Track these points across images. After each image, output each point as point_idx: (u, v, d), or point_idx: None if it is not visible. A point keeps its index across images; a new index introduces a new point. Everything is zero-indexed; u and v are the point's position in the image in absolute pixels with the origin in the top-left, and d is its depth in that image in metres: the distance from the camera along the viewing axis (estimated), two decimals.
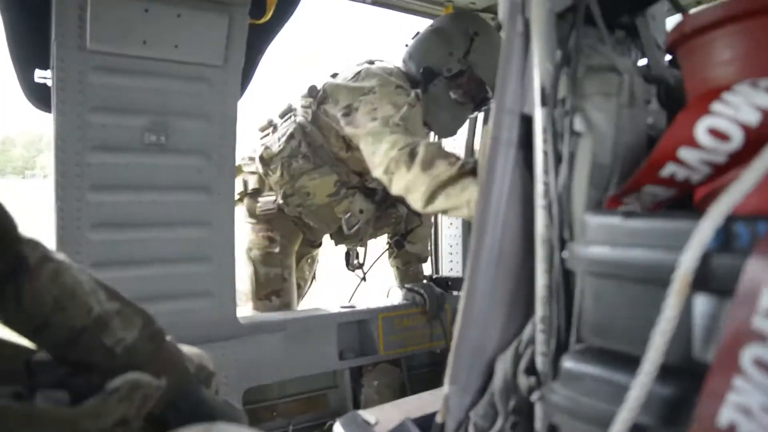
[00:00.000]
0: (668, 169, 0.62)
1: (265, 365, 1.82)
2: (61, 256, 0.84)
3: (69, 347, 0.82)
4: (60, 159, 1.53)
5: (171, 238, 1.67)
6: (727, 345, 0.47)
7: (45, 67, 1.63)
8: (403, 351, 2.13)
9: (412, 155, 1.67)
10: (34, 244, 0.80)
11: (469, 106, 2.14)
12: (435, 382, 2.15)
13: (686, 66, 0.77)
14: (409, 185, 1.64)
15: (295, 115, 2.14)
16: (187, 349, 1.00)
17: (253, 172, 2.17)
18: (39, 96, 1.65)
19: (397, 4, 2.19)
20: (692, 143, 0.59)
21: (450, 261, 2.57)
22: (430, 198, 1.59)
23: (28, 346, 0.92)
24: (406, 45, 2.16)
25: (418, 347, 2.17)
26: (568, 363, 0.69)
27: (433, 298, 2.17)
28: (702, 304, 0.53)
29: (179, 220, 1.69)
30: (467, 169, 1.56)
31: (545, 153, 0.86)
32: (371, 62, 2.15)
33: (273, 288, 2.10)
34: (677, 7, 0.89)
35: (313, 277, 2.47)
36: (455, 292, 2.32)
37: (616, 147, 0.80)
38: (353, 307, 2.11)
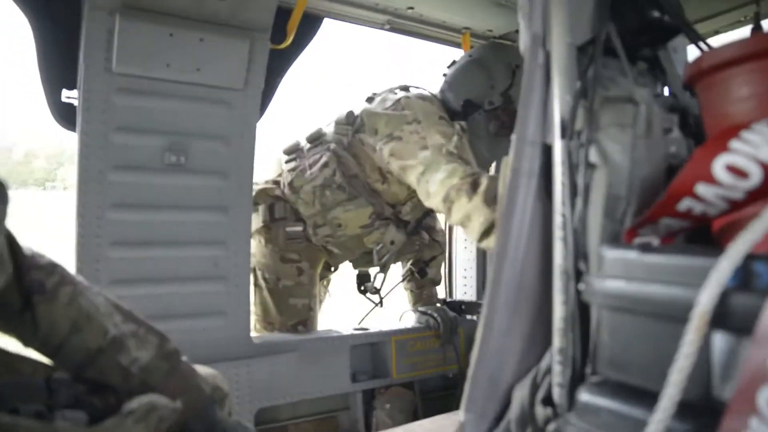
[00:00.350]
0: (685, 204, 0.63)
1: (277, 385, 1.81)
2: (77, 279, 0.86)
3: (86, 368, 0.84)
4: (82, 177, 1.57)
5: (188, 257, 1.69)
6: (744, 385, 0.47)
7: (72, 87, 1.68)
8: (416, 374, 2.12)
9: (474, 185, 1.68)
10: (51, 268, 0.82)
11: (506, 137, 2.12)
12: (448, 406, 2.14)
13: (704, 101, 0.78)
14: (470, 215, 1.66)
15: (326, 142, 2.07)
16: (201, 369, 1.01)
17: (278, 197, 2.11)
18: (65, 115, 1.70)
19: (414, 30, 2.22)
20: (710, 180, 0.59)
21: (464, 285, 2.56)
22: (487, 232, 1.62)
23: (48, 362, 0.94)
24: (444, 75, 2.13)
25: (431, 371, 2.15)
26: (584, 396, 0.69)
27: (446, 322, 2.15)
28: (720, 341, 0.53)
29: (196, 239, 1.71)
30: None
31: (563, 184, 0.87)
32: (406, 88, 2.12)
33: (300, 318, 2.08)
34: (694, 37, 0.89)
35: (328, 296, 2.47)
36: (469, 316, 2.31)
37: (631, 178, 0.80)
38: (366, 329, 2.10)
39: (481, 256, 2.54)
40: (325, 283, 2.39)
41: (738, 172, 0.58)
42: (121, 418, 0.76)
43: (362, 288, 2.32)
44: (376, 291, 2.31)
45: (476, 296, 2.49)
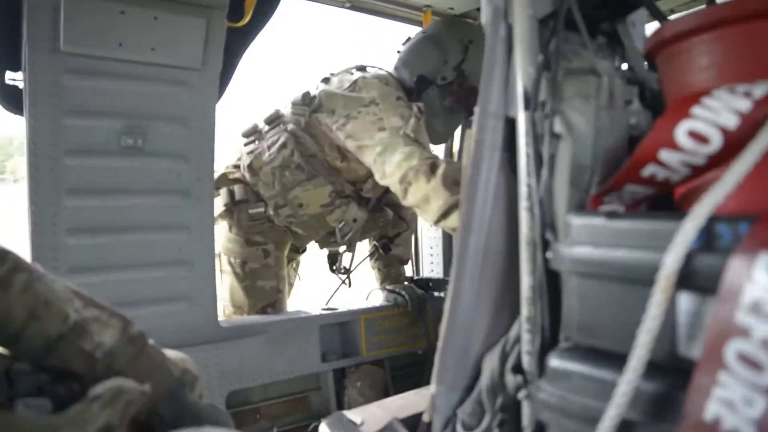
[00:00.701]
0: (649, 170, 0.64)
1: (247, 368, 1.80)
2: (33, 266, 0.82)
3: (47, 355, 0.81)
4: (33, 163, 1.50)
5: (149, 243, 1.65)
6: (711, 341, 0.49)
7: (16, 68, 1.59)
8: (385, 352, 2.14)
9: (433, 168, 1.70)
10: (3, 256, 0.79)
11: (461, 113, 2.13)
12: (418, 382, 2.17)
13: (665, 71, 0.79)
14: (428, 196, 1.68)
15: (284, 123, 2.07)
16: (170, 353, 0.99)
17: (238, 180, 2.11)
18: (10, 98, 1.61)
19: (375, 9, 2.19)
20: (673, 146, 0.61)
21: (431, 263, 2.58)
22: (445, 214, 1.66)
23: (6, 355, 0.90)
24: (398, 51, 2.14)
25: (401, 348, 2.18)
26: (554, 361, 0.70)
27: (414, 300, 2.18)
28: (686, 302, 0.55)
29: (157, 224, 1.66)
30: None
31: (527, 155, 0.88)
32: (362, 68, 2.11)
33: (269, 300, 2.08)
34: (657, 14, 0.91)
35: (297, 279, 2.46)
36: (436, 293, 2.33)
37: (595, 148, 0.82)
38: (335, 309, 2.11)
39: (447, 234, 2.57)
40: (294, 265, 2.38)
41: (699, 137, 0.59)
42: (87, 404, 0.73)
43: (334, 268, 2.33)
44: (347, 270, 2.32)
45: (443, 274, 2.52)
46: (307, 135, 2.03)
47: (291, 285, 2.42)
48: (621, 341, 0.61)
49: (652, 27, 1.11)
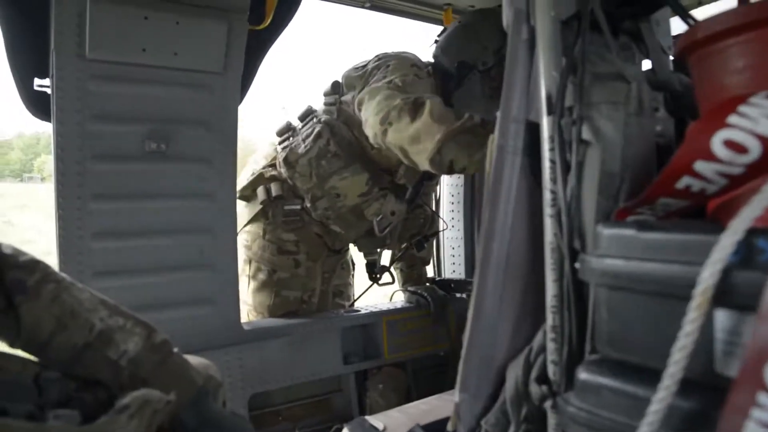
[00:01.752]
0: (684, 182, 0.62)
1: (270, 371, 1.81)
2: (61, 276, 0.84)
3: (73, 364, 0.82)
4: (60, 168, 1.52)
5: (173, 246, 1.66)
6: (751, 361, 0.47)
7: (44, 75, 1.62)
8: (407, 354, 2.12)
9: (417, 104, 1.65)
10: (33, 266, 0.80)
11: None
12: (439, 384, 2.16)
13: (697, 73, 0.76)
14: (417, 136, 1.63)
15: (317, 116, 2.06)
16: (194, 359, 1.00)
17: (275, 178, 2.09)
18: (38, 104, 1.64)
19: (394, 8, 2.18)
20: (709, 156, 0.59)
21: (452, 263, 2.56)
22: (438, 151, 1.60)
23: (37, 362, 0.92)
24: (436, 41, 2.10)
25: (423, 350, 2.16)
26: (583, 374, 0.68)
27: (436, 301, 2.16)
28: (723, 318, 0.53)
29: (181, 227, 1.68)
30: (477, 121, 1.59)
31: (552, 162, 0.86)
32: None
33: (289, 309, 2.06)
34: (682, 13, 0.88)
35: (351, 279, 2.40)
36: (458, 294, 2.31)
37: (624, 156, 0.80)
38: (357, 310, 2.10)
39: (469, 234, 2.54)
40: (343, 265, 2.32)
41: (737, 147, 0.57)
42: (115, 415, 0.74)
43: (374, 276, 2.29)
44: (386, 269, 2.29)
45: (465, 274, 2.50)
46: (341, 122, 2.01)
47: (350, 286, 2.37)
48: (653, 356, 0.59)
49: (676, 22, 1.08)
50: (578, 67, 0.84)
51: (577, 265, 0.73)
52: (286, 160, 2.03)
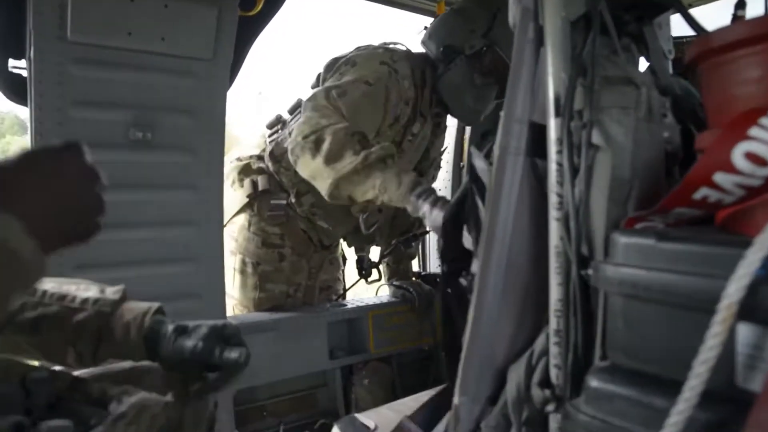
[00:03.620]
0: (701, 193, 0.62)
1: (256, 366, 1.76)
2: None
3: (38, 324, 0.88)
4: None
5: (157, 239, 1.61)
6: None
7: (20, 56, 1.54)
8: (393, 348, 2.12)
9: (317, 143, 1.63)
10: None
11: (493, 87, 1.99)
12: (424, 379, 2.17)
13: (707, 81, 0.76)
14: (314, 174, 1.66)
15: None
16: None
17: (262, 170, 2.05)
18: (13, 87, 1.56)
19: None
20: (729, 168, 0.59)
21: (438, 257, 2.56)
22: (335, 189, 1.61)
23: (22, 362, 0.88)
24: (425, 27, 2.05)
25: (408, 344, 2.16)
26: (594, 382, 0.68)
27: (422, 296, 2.15)
28: (746, 333, 0.53)
29: (165, 219, 1.63)
30: (372, 160, 1.57)
31: (559, 164, 0.85)
32: (386, 45, 2.05)
33: (274, 303, 2.03)
34: (693, 24, 0.88)
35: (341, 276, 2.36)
36: None
37: (635, 161, 0.79)
38: (344, 305, 2.09)
39: None
40: (330, 261, 2.26)
41: (757, 159, 0.57)
42: (111, 424, 0.71)
43: (362, 271, 2.26)
44: (375, 265, 2.26)
45: None
46: None
47: (339, 281, 2.33)
48: (671, 367, 0.59)
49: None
50: (588, 70, 0.84)
51: (589, 271, 0.73)
52: (272, 154, 2.00)
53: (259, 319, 1.86)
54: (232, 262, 2.01)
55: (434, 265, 2.57)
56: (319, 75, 2.02)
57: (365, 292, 2.39)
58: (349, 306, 2.08)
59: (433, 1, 2.21)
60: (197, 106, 1.63)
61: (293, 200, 2.00)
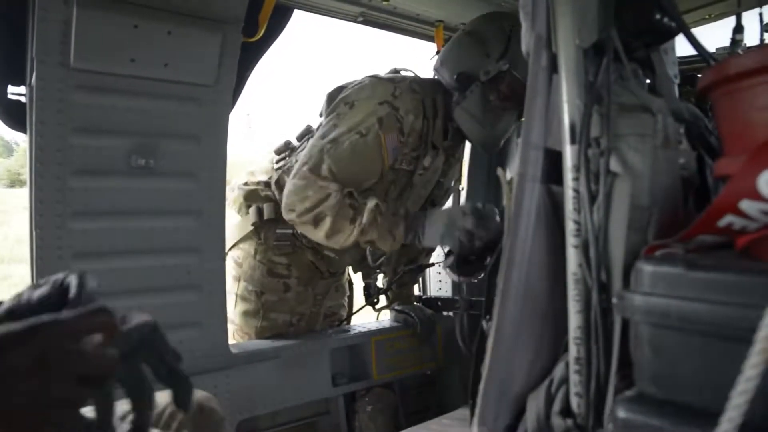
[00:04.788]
0: (726, 220, 0.62)
1: (259, 395, 1.74)
2: None
3: None
4: (38, 183, 1.44)
5: (159, 266, 1.59)
6: None
7: (19, 83, 1.53)
8: (395, 374, 2.08)
9: (316, 221, 1.72)
10: None
11: (512, 111, 1.89)
12: (426, 404, 2.13)
13: (722, 108, 0.77)
14: (327, 237, 1.75)
15: (312, 136, 1.94)
16: (197, 393, 0.95)
17: (269, 198, 2.00)
18: (13, 113, 1.55)
19: (387, 23, 2.16)
20: (755, 196, 0.59)
21: (438, 281, 2.54)
22: (341, 248, 1.81)
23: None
24: (437, 52, 2.00)
25: (411, 369, 2.13)
26: (622, 413, 0.67)
27: (424, 320, 2.13)
28: None
29: (167, 247, 1.60)
30: (365, 226, 1.72)
31: (575, 191, 0.85)
32: (396, 71, 2.00)
33: (276, 332, 1.99)
34: (702, 52, 0.89)
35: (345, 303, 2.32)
36: (446, 313, 2.30)
37: (653, 188, 0.79)
38: (346, 330, 2.06)
39: None
40: (336, 288, 2.23)
41: None
42: None
43: (370, 299, 2.24)
44: (381, 291, 2.24)
45: (451, 292, 2.48)
46: None
47: (344, 307, 2.29)
48: (705, 397, 0.58)
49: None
50: (603, 97, 0.84)
51: (613, 300, 0.72)
52: (278, 183, 1.96)
53: (261, 347, 1.83)
54: (234, 288, 1.98)
55: (434, 288, 2.55)
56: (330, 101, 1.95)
57: (365, 316, 2.36)
58: (352, 332, 2.05)
59: (432, 26, 2.23)
60: (199, 132, 1.62)
61: (299, 230, 1.97)
